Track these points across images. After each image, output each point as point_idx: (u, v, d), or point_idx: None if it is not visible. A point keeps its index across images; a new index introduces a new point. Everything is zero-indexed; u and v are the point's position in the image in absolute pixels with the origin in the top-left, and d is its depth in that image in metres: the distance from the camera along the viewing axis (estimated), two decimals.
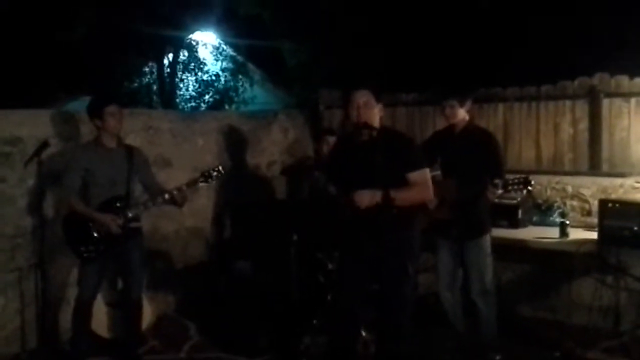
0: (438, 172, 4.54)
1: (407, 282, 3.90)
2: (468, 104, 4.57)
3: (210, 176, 4.57)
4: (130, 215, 4.44)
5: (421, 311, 4.71)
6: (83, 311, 4.55)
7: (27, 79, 8.53)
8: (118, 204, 4.44)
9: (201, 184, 4.64)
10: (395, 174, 3.75)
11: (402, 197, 3.74)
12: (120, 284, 4.76)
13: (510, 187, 4.29)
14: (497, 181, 4.24)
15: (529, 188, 4.35)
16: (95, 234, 4.38)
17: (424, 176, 3.84)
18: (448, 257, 4.67)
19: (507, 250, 5.37)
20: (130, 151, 4.60)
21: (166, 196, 4.47)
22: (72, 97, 10.54)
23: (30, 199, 4.89)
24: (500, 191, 4.31)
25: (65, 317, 4.98)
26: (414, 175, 3.79)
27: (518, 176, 4.33)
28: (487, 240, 4.58)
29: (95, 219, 4.36)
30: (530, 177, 4.32)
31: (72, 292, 4.83)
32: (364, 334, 4.69)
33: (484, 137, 4.58)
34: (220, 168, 4.62)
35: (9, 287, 4.86)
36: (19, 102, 5.10)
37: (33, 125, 4.96)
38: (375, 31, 7.62)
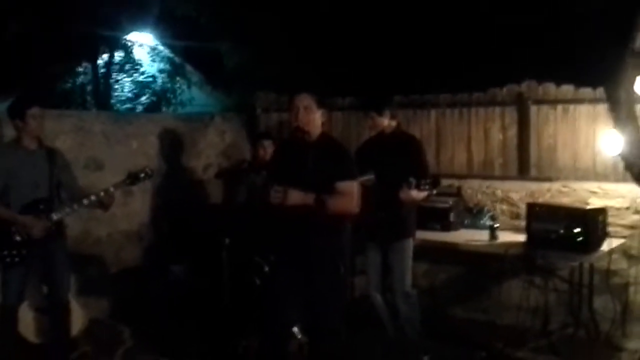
0: (370, 177, 4.64)
1: (339, 283, 3.95)
2: (387, 112, 4.76)
3: (138, 177, 4.50)
4: (55, 218, 4.34)
5: (356, 313, 4.81)
6: (8, 318, 4.40)
7: None
8: (41, 207, 4.33)
9: (128, 186, 4.58)
10: (325, 181, 3.80)
11: (331, 204, 3.78)
12: (45, 288, 4.63)
13: (421, 187, 4.45)
14: (411, 179, 4.38)
15: (437, 187, 4.60)
16: (18, 238, 4.26)
17: (351, 188, 3.87)
18: (376, 258, 4.83)
19: (440, 253, 5.51)
20: (51, 153, 4.51)
21: (92, 198, 4.38)
22: (3, 97, 10.22)
23: None
24: (415, 192, 4.46)
25: None
26: (341, 185, 3.83)
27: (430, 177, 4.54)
28: (409, 243, 4.73)
29: (19, 221, 4.24)
30: (462, 181, 4.47)
31: None
32: (299, 336, 4.71)
33: (408, 141, 4.83)
34: (148, 170, 4.56)
35: None
36: None
37: None
38: (312, 34, 7.66)
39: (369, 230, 4.70)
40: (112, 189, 4.43)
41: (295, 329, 4.66)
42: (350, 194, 3.85)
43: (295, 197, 3.75)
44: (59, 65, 10.90)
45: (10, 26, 8.81)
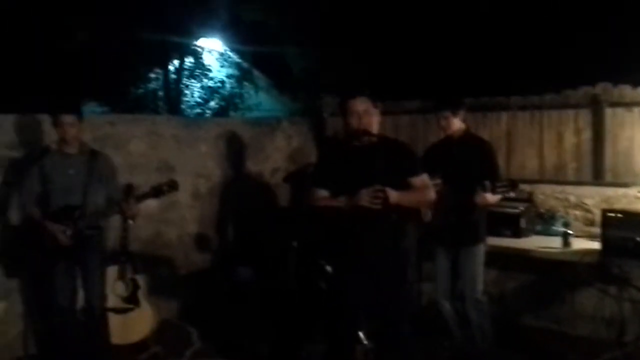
0: (437, 181, 4.57)
1: (406, 289, 3.92)
2: (462, 113, 4.65)
3: (162, 191, 4.44)
4: (81, 225, 4.30)
5: (423, 320, 4.73)
6: (63, 320, 4.39)
7: (34, 86, 8.56)
8: (72, 213, 4.29)
9: (152, 198, 4.48)
10: (395, 179, 3.75)
11: (407, 198, 3.77)
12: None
13: (497, 190, 4.31)
14: (486, 183, 4.27)
15: (514, 190, 4.38)
16: (48, 244, 4.24)
17: (426, 180, 3.90)
18: (445, 264, 4.71)
19: (510, 260, 5.37)
20: (93, 158, 4.46)
21: (115, 208, 4.39)
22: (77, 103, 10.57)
23: None
24: (490, 195, 4.31)
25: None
26: (416, 180, 3.84)
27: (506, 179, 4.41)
28: (481, 249, 4.60)
29: (46, 228, 4.22)
30: (533, 186, 4.35)
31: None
32: (365, 342, 4.67)
33: (480, 145, 4.67)
34: (172, 183, 4.48)
35: (13, 292, 4.87)
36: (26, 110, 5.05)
37: None
38: (380, 38, 7.63)
39: (437, 235, 4.61)
40: (134, 201, 4.39)
41: (362, 335, 4.63)
42: (426, 186, 3.89)
43: (395, 196, 3.70)
44: (132, 72, 11.22)
45: (82, 34, 9.09)
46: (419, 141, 6.37)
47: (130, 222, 4.71)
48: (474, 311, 4.59)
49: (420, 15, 7.42)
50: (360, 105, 3.82)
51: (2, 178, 4.79)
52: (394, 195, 3.67)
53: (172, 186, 4.47)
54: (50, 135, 4.65)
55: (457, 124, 4.61)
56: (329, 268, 4.91)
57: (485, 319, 4.63)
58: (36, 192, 4.30)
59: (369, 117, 3.83)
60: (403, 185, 3.79)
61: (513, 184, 4.34)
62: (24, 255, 4.39)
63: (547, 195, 5.75)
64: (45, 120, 4.69)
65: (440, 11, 7.34)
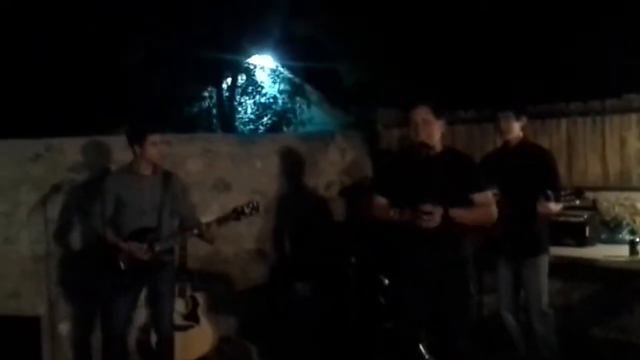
0: (495, 191, 4.47)
1: (469, 302, 3.85)
2: (524, 119, 4.54)
3: (243, 212, 4.41)
4: (158, 248, 4.28)
5: (484, 333, 4.64)
6: (114, 348, 4.37)
7: (86, 106, 8.78)
8: (147, 236, 4.28)
9: (234, 220, 4.47)
10: (457, 194, 3.69)
11: (466, 217, 3.69)
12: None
13: (562, 198, 4.20)
14: (549, 192, 4.15)
15: (580, 198, 4.28)
16: (122, 266, 4.21)
17: (489, 198, 3.79)
18: (507, 276, 4.60)
19: (575, 270, 5.21)
20: (167, 179, 4.44)
21: (195, 232, 4.38)
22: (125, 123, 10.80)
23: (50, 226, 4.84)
24: (554, 204, 4.19)
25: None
26: (479, 197, 3.74)
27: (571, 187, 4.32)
28: (544, 259, 4.48)
29: (122, 249, 4.19)
30: (597, 193, 4.22)
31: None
32: (426, 356, 4.60)
33: (539, 153, 4.55)
34: (255, 203, 4.46)
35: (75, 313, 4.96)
36: (79, 130, 5.17)
37: (57, 151, 5.00)
38: (432, 48, 7.56)
39: (499, 246, 4.49)
40: (215, 224, 4.39)
41: (422, 348, 4.55)
42: (488, 204, 3.78)
43: (436, 215, 3.64)
44: (186, 91, 11.42)
45: (133, 54, 9.27)
46: (475, 151, 6.24)
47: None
48: (540, 323, 4.47)
49: (474, 24, 7.32)
50: (419, 115, 3.76)
51: (66, 201, 4.86)
52: (454, 213, 3.62)
53: (254, 207, 4.45)
54: (116, 157, 4.73)
55: (516, 129, 4.50)
56: (387, 282, 4.87)
57: (551, 331, 4.50)
58: (109, 214, 4.27)
59: (429, 127, 3.75)
60: (465, 201, 3.71)
61: (578, 192, 4.24)
62: (90, 278, 4.40)
63: (611, 202, 5.56)
64: (114, 142, 4.75)
65: (496, 19, 7.23)
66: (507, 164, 4.50)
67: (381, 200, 3.90)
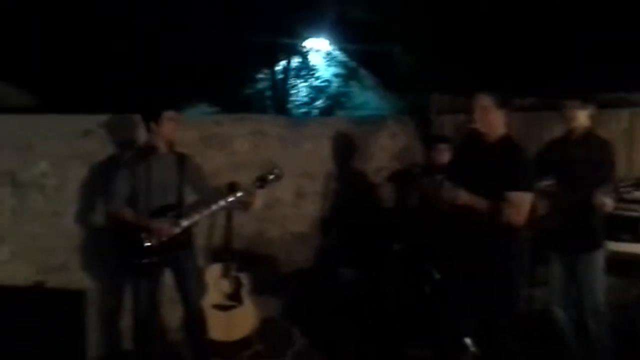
0: (551, 182, 4.33)
1: (514, 295, 3.80)
2: (591, 109, 4.32)
3: (266, 180, 4.37)
4: (184, 224, 4.24)
5: (533, 328, 4.54)
6: (142, 326, 4.33)
7: (143, 85, 8.87)
8: (170, 213, 4.24)
9: (259, 189, 4.41)
10: (498, 186, 3.59)
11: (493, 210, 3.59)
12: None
13: (621, 189, 4.03)
14: (608, 185, 3.99)
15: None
16: (147, 244, 4.13)
17: (522, 200, 3.62)
18: (560, 271, 4.44)
19: (631, 266, 5.00)
20: (182, 158, 4.39)
21: (230, 198, 4.30)
22: (191, 104, 10.90)
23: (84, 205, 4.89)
24: (609, 199, 4.01)
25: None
26: (512, 195, 3.58)
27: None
28: (600, 255, 4.30)
29: (147, 226, 4.13)
30: None
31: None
32: (472, 348, 4.50)
33: (602, 145, 4.33)
34: (277, 171, 4.40)
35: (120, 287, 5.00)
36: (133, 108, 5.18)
37: (107, 127, 5.00)
38: (489, 32, 7.36)
39: (553, 239, 4.34)
40: (241, 194, 4.33)
41: (468, 341, 4.45)
42: (519, 206, 3.60)
43: (465, 198, 3.60)
44: (241, 73, 11.46)
45: (195, 36, 9.32)
46: (532, 140, 6.07)
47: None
48: (593, 321, 4.31)
49: (534, 8, 7.09)
50: (479, 101, 3.68)
51: (92, 178, 4.89)
52: (463, 197, 3.60)
53: (277, 174, 4.39)
54: (143, 136, 4.66)
55: (582, 118, 4.29)
56: (435, 273, 4.77)
57: (605, 329, 4.33)
58: (128, 192, 4.20)
59: (486, 115, 3.67)
60: (500, 195, 3.59)
61: (638, 183, 4.03)
62: (119, 256, 4.36)
63: None
64: (139, 120, 4.63)
65: (555, 4, 6.99)
66: (568, 153, 4.32)
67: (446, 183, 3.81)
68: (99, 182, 4.83)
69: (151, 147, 4.27)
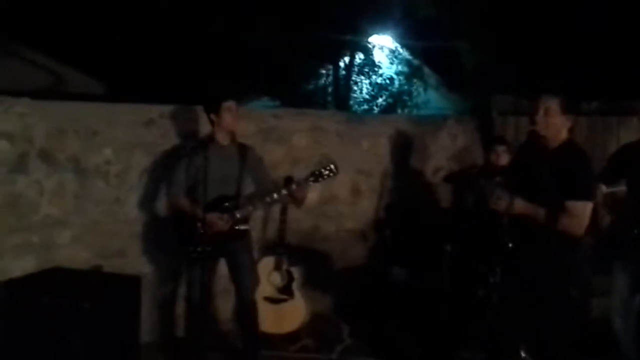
0: (622, 187, 4.21)
1: (567, 304, 3.65)
2: None
3: (321, 175, 4.30)
4: (238, 216, 4.26)
5: (591, 337, 4.44)
6: (195, 313, 4.38)
7: (208, 79, 9.01)
8: (227, 204, 4.26)
9: (314, 183, 4.34)
10: (556, 194, 3.49)
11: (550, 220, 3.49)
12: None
13: None
14: None
15: None
16: (202, 234, 4.15)
17: (582, 210, 3.50)
18: (624, 280, 4.26)
19: None
20: (243, 150, 4.41)
21: (275, 196, 4.29)
22: (253, 97, 11.02)
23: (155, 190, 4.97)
24: None
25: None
26: (571, 205, 3.47)
27: None
28: None
29: (202, 217, 4.14)
30: None
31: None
32: (523, 355, 4.42)
33: None
34: (333, 167, 4.33)
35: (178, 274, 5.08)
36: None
37: (170, 118, 5.08)
38: (556, 34, 7.18)
39: (618, 247, 4.19)
40: (293, 187, 4.30)
41: (522, 351, 4.37)
42: (578, 216, 3.48)
43: (520, 207, 3.53)
44: (304, 68, 11.51)
45: (262, 29, 9.40)
46: (597, 145, 5.93)
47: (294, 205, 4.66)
48: None
49: (600, 8, 6.88)
50: (543, 103, 3.58)
51: (167, 166, 4.95)
52: (519, 206, 3.54)
53: (332, 170, 4.34)
54: (205, 127, 4.69)
55: None
56: (490, 276, 4.70)
57: None
58: (188, 183, 4.26)
59: (549, 117, 3.56)
60: (559, 204, 3.49)
61: None
62: (176, 245, 4.43)
63: None
64: (201, 111, 4.68)
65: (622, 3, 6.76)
66: None
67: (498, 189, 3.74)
68: (159, 171, 4.96)
69: (212, 138, 4.33)
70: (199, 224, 4.16)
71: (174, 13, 8.97)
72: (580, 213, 3.49)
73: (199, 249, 4.18)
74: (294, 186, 4.33)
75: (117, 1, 9.00)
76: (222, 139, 4.34)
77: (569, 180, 3.50)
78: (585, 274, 4.00)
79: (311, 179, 4.32)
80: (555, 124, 3.58)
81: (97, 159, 4.81)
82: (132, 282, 4.45)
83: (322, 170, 4.33)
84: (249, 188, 4.50)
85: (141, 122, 5.02)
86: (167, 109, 5.11)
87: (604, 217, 4.21)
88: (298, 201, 4.41)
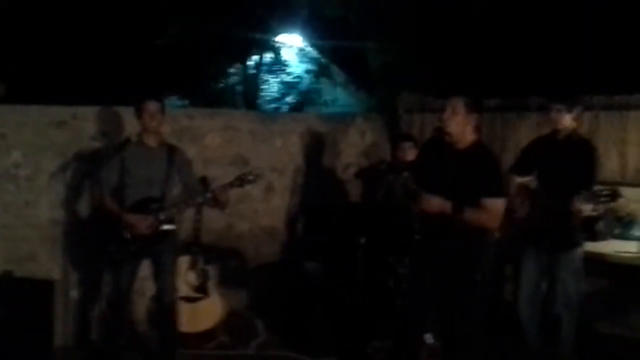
0: (532, 178, 4.48)
1: (475, 290, 3.84)
2: (576, 111, 4.44)
3: (246, 180, 4.41)
4: (162, 217, 4.29)
5: (501, 322, 4.72)
6: (114, 313, 4.41)
7: (117, 80, 8.85)
8: (152, 205, 4.30)
9: (237, 187, 4.44)
10: (470, 192, 3.68)
11: (470, 217, 3.68)
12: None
13: (597, 199, 4.08)
14: (586, 192, 4.06)
15: (616, 201, 4.15)
16: (126, 235, 4.21)
17: (497, 205, 3.73)
18: (534, 268, 4.55)
19: (586, 263, 5.15)
20: (171, 151, 4.45)
21: (199, 199, 4.38)
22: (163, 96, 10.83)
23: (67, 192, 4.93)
24: (586, 204, 4.11)
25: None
26: (487, 202, 3.69)
27: (607, 188, 4.13)
28: (578, 253, 4.44)
29: (124, 219, 4.20)
30: (614, 188, 4.13)
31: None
32: (430, 341, 4.64)
33: (586, 147, 4.42)
34: (258, 172, 4.45)
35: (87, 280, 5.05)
36: (107, 102, 5.20)
37: (82, 119, 5.04)
38: (457, 34, 7.50)
39: (531, 237, 4.47)
40: (218, 190, 4.38)
41: (428, 336, 4.59)
42: (493, 212, 3.71)
43: (433, 204, 3.71)
44: (213, 67, 11.44)
45: (171, 30, 9.31)
46: (496, 141, 6.24)
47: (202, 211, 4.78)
48: (566, 317, 4.46)
49: (500, 9, 7.23)
50: (450, 103, 3.77)
51: (80, 168, 4.93)
52: (429, 202, 3.69)
53: (257, 175, 4.44)
54: (132, 129, 4.71)
55: (567, 120, 4.39)
56: (398, 267, 4.90)
57: (573, 326, 4.49)
58: (114, 183, 4.26)
59: (455, 116, 3.75)
60: (474, 202, 3.69)
61: (614, 195, 4.06)
62: (97, 246, 4.43)
63: (627, 198, 5.47)
64: (127, 112, 4.71)
65: (526, 7, 7.13)
66: (551, 154, 4.43)
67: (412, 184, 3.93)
68: (72, 173, 4.89)
69: (139, 139, 4.35)
70: (122, 225, 4.17)
71: (81, 12, 8.76)
72: (496, 209, 3.71)
73: (121, 250, 4.19)
74: (218, 189, 4.38)
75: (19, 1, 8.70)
76: (149, 140, 4.36)
77: (482, 179, 3.70)
78: (490, 260, 4.20)
79: (236, 183, 4.39)
80: (461, 122, 3.76)
81: (6, 162, 4.74)
82: (44, 287, 4.39)
83: (247, 175, 4.41)
84: (176, 189, 4.52)
85: (52, 123, 4.95)
86: (79, 110, 5.06)
87: (518, 207, 4.47)
88: (221, 204, 4.46)
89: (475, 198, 3.67)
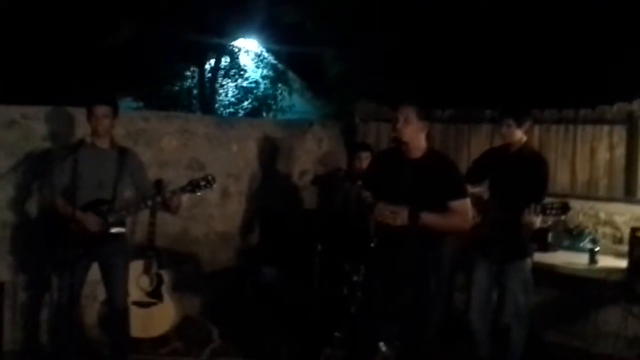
0: (483, 189, 4.57)
1: (429, 299, 3.88)
2: (526, 125, 4.55)
3: (198, 186, 4.36)
4: (110, 220, 4.25)
5: (452, 330, 4.75)
6: (63, 316, 4.27)
7: (72, 82, 8.70)
8: (101, 207, 4.26)
9: (189, 193, 4.38)
10: (431, 198, 3.73)
11: (436, 222, 3.74)
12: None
13: (547, 212, 4.18)
14: (535, 206, 4.13)
15: (566, 214, 4.27)
16: (75, 236, 4.13)
17: (465, 206, 3.82)
18: (484, 277, 4.63)
19: (535, 274, 5.27)
20: (123, 153, 4.43)
21: (149, 202, 4.34)
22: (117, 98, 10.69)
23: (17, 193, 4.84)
24: (536, 217, 4.18)
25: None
26: (455, 204, 3.77)
27: (557, 201, 4.26)
28: (527, 264, 4.54)
29: (77, 218, 4.12)
30: (563, 200, 4.25)
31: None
32: (384, 349, 4.68)
33: (537, 161, 4.54)
34: (210, 178, 4.40)
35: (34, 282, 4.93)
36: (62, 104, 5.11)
37: (33, 119, 4.94)
38: (413, 45, 7.61)
39: (479, 247, 4.54)
40: (168, 195, 4.35)
41: (382, 345, 4.62)
42: (463, 212, 3.80)
43: (385, 214, 3.75)
44: (168, 70, 11.34)
45: (120, 35, 9.21)
46: (450, 151, 6.34)
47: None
48: (515, 326, 4.55)
49: (455, 23, 7.38)
50: (401, 112, 3.82)
51: (30, 168, 4.83)
52: (425, 217, 3.70)
53: (210, 181, 4.40)
54: (83, 129, 4.64)
55: (518, 134, 4.51)
56: (353, 275, 4.93)
57: (523, 335, 4.58)
58: (65, 184, 4.19)
59: (408, 125, 3.80)
60: (441, 206, 3.76)
61: (564, 208, 4.17)
62: (46, 248, 4.33)
63: (576, 210, 5.65)
64: (79, 113, 4.64)
65: (475, 19, 7.29)
66: (503, 166, 4.53)
67: (366, 194, 3.94)
68: (21, 173, 4.79)
69: (90, 141, 4.28)
70: (71, 226, 4.09)
71: (32, 12, 8.59)
72: (464, 209, 3.81)
73: (70, 252, 4.11)
74: (168, 194, 4.35)
75: None
76: (100, 142, 4.32)
77: (445, 184, 3.78)
78: (446, 268, 4.26)
79: (188, 188, 4.35)
80: (414, 130, 3.83)
81: None
82: None
83: (200, 181, 4.37)
84: (128, 191, 4.48)
85: (2, 123, 4.83)
86: (30, 110, 4.95)
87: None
88: (172, 209, 4.42)
89: (441, 203, 3.74)
